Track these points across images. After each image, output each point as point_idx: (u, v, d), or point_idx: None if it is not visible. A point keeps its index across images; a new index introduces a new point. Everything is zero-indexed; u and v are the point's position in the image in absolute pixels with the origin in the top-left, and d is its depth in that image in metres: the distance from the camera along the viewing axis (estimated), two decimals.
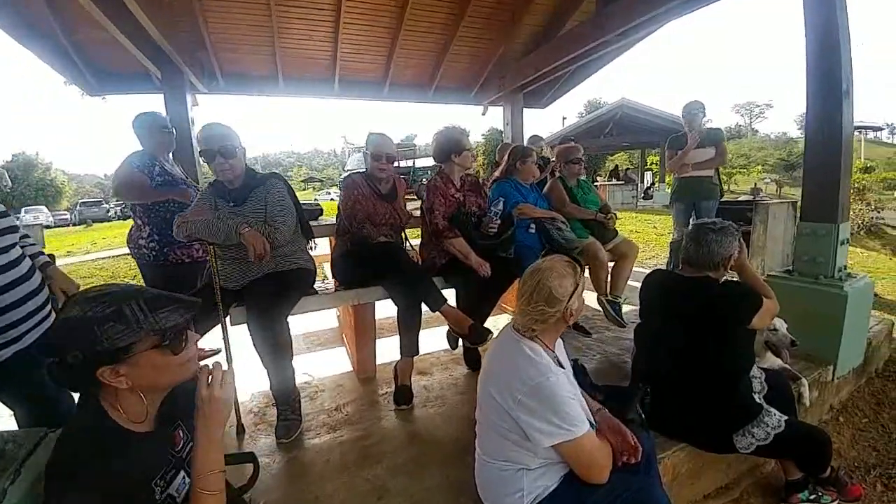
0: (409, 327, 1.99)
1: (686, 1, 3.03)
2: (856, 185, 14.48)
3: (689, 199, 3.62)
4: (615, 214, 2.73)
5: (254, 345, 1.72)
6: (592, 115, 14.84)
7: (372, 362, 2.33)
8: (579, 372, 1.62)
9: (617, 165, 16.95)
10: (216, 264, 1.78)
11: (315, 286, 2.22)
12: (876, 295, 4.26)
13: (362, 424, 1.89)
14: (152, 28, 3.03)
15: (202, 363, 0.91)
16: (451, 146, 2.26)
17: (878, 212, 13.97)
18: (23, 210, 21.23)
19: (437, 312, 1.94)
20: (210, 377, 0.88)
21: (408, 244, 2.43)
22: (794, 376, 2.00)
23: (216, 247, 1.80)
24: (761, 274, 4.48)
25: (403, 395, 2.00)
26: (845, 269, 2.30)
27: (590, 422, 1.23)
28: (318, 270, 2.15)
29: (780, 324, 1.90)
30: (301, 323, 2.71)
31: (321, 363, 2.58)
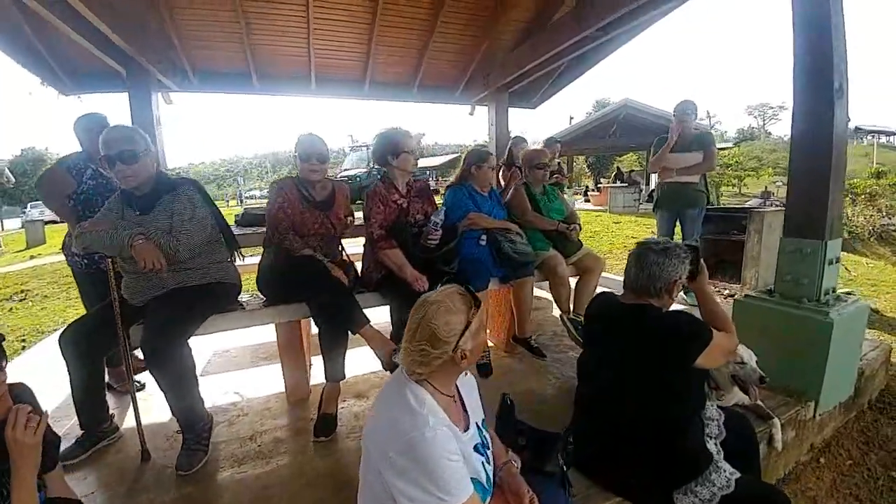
0: (330, 350, 1.80)
1: None
2: (867, 191, 13.97)
3: (673, 206, 3.38)
4: (579, 225, 2.50)
5: (147, 368, 1.55)
6: (595, 115, 14.52)
7: (305, 383, 2.14)
8: (507, 410, 1.41)
9: (619, 168, 16.57)
10: (113, 279, 1.61)
11: (244, 300, 2.05)
12: (877, 312, 3.94)
13: (273, 459, 1.70)
14: (103, 25, 2.88)
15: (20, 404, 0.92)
16: (387, 148, 2.06)
17: (890, 217, 13.44)
18: (28, 205, 21.52)
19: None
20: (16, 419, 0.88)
21: (344, 256, 2.23)
22: (765, 415, 1.76)
23: (121, 259, 1.65)
24: (755, 287, 4.25)
25: (324, 426, 1.80)
26: (834, 291, 2.05)
27: (488, 480, 1.03)
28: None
29: (749, 356, 1.66)
30: (248, 335, 2.55)
31: (258, 380, 2.39)
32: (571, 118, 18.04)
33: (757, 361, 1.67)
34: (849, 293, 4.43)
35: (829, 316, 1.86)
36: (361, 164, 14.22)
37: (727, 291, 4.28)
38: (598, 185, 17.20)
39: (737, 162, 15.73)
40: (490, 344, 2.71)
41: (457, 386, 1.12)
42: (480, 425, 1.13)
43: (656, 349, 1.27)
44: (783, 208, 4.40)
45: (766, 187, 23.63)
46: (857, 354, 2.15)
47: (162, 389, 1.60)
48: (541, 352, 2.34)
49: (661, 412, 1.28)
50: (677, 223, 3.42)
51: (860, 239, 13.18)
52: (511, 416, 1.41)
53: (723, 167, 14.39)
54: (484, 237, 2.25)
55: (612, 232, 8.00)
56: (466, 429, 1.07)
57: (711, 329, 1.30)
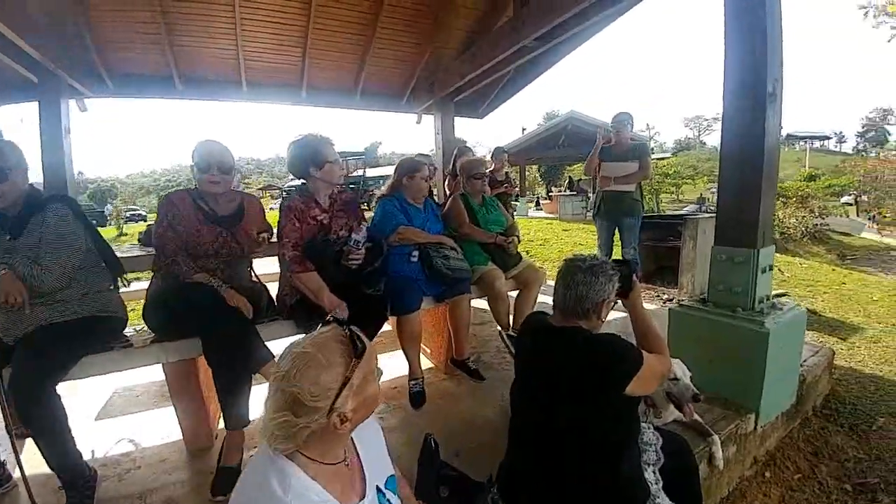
0: (229, 393, 1.53)
1: (600, 7, 2.81)
2: (800, 193, 15.30)
3: (611, 214, 3.42)
4: (518, 237, 2.38)
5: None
6: (543, 126, 14.98)
7: (206, 430, 1.83)
8: (430, 454, 1.22)
9: (570, 177, 17.17)
10: None
11: (130, 334, 1.73)
12: (814, 313, 4.14)
13: None
14: (7, 29, 2.47)
15: None
16: (308, 158, 1.83)
17: (823, 218, 14.78)
18: None
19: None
20: None
21: (254, 278, 1.96)
22: (704, 431, 1.69)
23: None
24: (692, 291, 4.40)
25: (224, 482, 1.51)
26: (769, 298, 2.04)
27: None
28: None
29: (682, 371, 1.58)
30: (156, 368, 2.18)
31: (159, 425, 2.04)
32: (524, 129, 18.51)
33: (691, 377, 1.60)
34: (782, 294, 4.70)
35: (765, 325, 1.84)
36: None
37: (666, 296, 4.38)
38: (550, 194, 17.70)
39: (675, 171, 16.78)
40: (429, 365, 2.52)
41: (353, 439, 0.91)
42: (384, 487, 0.93)
43: (585, 376, 1.14)
44: (713, 215, 4.65)
45: (701, 194, 25.44)
46: (798, 361, 2.16)
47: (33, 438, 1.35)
48: (479, 374, 2.17)
49: (594, 441, 1.15)
50: (616, 231, 3.46)
51: (792, 239, 14.36)
52: (434, 462, 1.22)
53: (662, 176, 15.28)
54: (415, 253, 2.07)
55: (561, 239, 8.13)
56: (362, 497, 0.86)
57: (643, 353, 1.18)
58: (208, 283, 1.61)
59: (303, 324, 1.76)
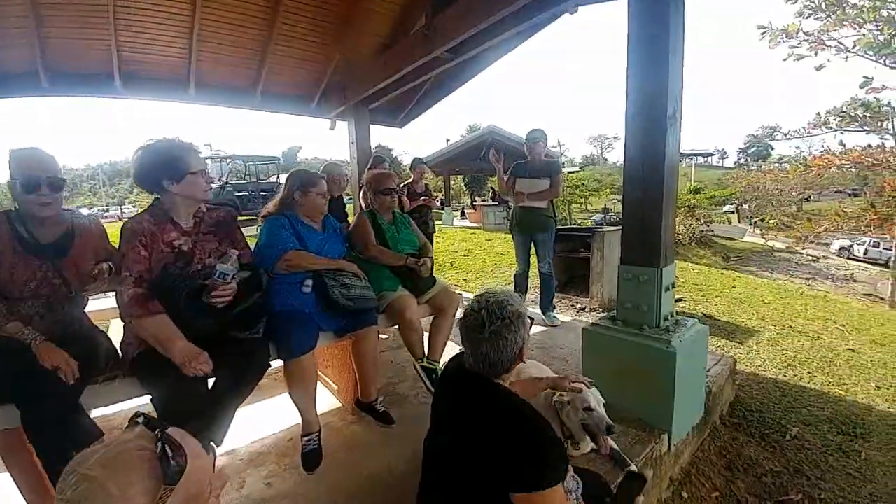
0: (53, 475, 1.11)
1: (513, 22, 2.78)
2: (687, 204, 17.44)
3: (525, 230, 3.43)
4: (431, 258, 2.20)
5: None
6: (464, 139, 15.30)
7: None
8: None
9: (493, 188, 17.73)
10: None
11: None
12: (710, 317, 4.51)
13: None
14: None
15: None
16: (161, 167, 1.46)
17: (707, 225, 16.95)
18: None
19: None
20: None
21: (87, 323, 1.52)
22: (621, 461, 1.63)
23: None
24: (600, 300, 4.59)
25: None
26: (673, 316, 2.09)
27: None
28: None
29: (597, 401, 1.50)
30: None
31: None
32: (448, 140, 18.76)
33: (605, 403, 1.53)
34: (678, 300, 5.12)
35: (671, 344, 1.86)
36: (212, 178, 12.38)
37: (578, 305, 4.54)
38: (474, 204, 18.09)
39: (583, 184, 18.22)
40: (337, 405, 2.21)
41: None
42: None
43: (503, 457, 0.95)
44: (618, 228, 4.98)
45: (605, 205, 28.06)
46: (703, 375, 2.24)
47: None
48: (389, 418, 1.91)
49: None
50: (532, 246, 3.47)
51: (682, 244, 16.28)
52: None
53: (572, 188, 16.49)
54: (309, 282, 1.77)
55: (484, 250, 8.22)
56: None
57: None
58: (20, 337, 1.17)
59: (150, 383, 1.37)
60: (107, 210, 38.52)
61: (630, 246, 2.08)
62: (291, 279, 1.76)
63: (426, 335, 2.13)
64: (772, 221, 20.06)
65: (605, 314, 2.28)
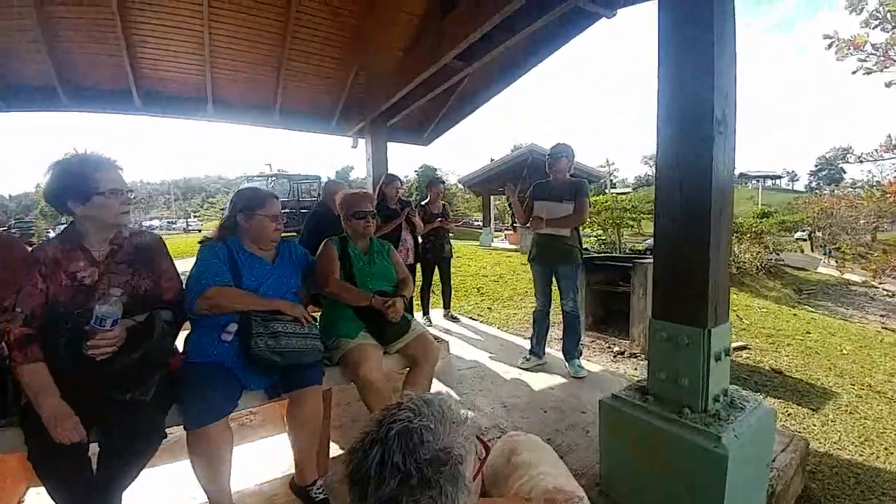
0: None
1: (521, 23, 2.42)
2: (754, 230, 15.72)
3: (545, 261, 2.92)
4: (405, 297, 1.78)
5: None
6: (503, 158, 14.91)
7: None
8: None
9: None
10: None
11: None
12: (779, 373, 3.71)
13: None
14: None
15: None
16: (68, 186, 1.21)
17: (777, 253, 15.16)
18: None
19: None
20: None
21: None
22: None
23: None
24: (643, 344, 3.85)
25: None
26: (727, 394, 1.52)
27: None
28: None
29: None
30: None
31: None
32: (492, 159, 18.47)
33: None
34: (742, 347, 4.28)
35: (722, 441, 1.30)
36: None
37: (616, 348, 3.88)
38: (514, 225, 17.50)
39: (634, 206, 17.08)
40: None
41: None
42: None
43: None
44: None
45: None
46: (766, 474, 1.63)
47: None
48: None
49: None
50: (553, 280, 2.94)
51: (748, 274, 14.57)
52: None
53: (622, 210, 15.50)
54: (233, 327, 1.42)
55: (517, 275, 7.66)
56: None
57: None
58: None
59: (34, 436, 1.08)
60: (174, 223, 41.93)
61: (665, 295, 1.55)
62: (213, 322, 1.43)
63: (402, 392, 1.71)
64: (847, 252, 17.68)
65: (633, 383, 1.73)
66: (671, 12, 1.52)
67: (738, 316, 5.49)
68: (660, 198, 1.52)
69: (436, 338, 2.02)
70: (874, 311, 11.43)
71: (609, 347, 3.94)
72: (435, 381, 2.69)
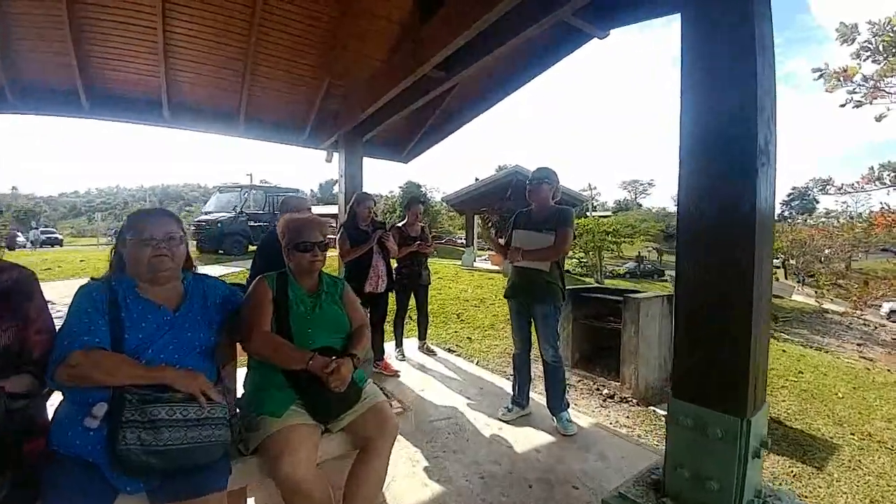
0: None
1: (505, 34, 2.16)
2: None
3: (522, 297, 2.56)
4: (356, 357, 1.39)
5: None
6: (488, 178, 14.82)
7: None
8: None
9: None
10: None
11: None
12: (779, 423, 3.33)
13: None
14: None
15: None
16: None
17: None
18: None
19: None
20: None
21: None
22: None
23: None
24: (634, 387, 3.52)
25: None
26: (760, 496, 1.18)
27: None
28: None
29: None
30: None
31: None
32: (476, 178, 18.37)
33: None
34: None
35: None
36: (228, 206, 12.28)
37: (606, 390, 3.55)
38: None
39: (615, 230, 17.22)
40: None
41: None
42: None
43: None
44: (657, 295, 4.04)
45: (639, 252, 26.56)
46: None
47: None
48: None
49: None
50: (530, 319, 2.59)
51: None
52: None
53: (603, 234, 15.59)
54: (101, 408, 1.02)
55: (500, 300, 7.31)
56: None
57: None
58: None
59: None
60: None
61: (690, 369, 1.22)
62: (80, 399, 1.02)
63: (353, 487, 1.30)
64: (825, 282, 18.19)
65: (643, 474, 1.37)
66: (699, 23, 1.25)
67: None
68: (684, 242, 1.20)
69: (399, 402, 1.63)
70: (850, 339, 11.59)
71: (598, 389, 3.60)
72: (403, 438, 2.31)
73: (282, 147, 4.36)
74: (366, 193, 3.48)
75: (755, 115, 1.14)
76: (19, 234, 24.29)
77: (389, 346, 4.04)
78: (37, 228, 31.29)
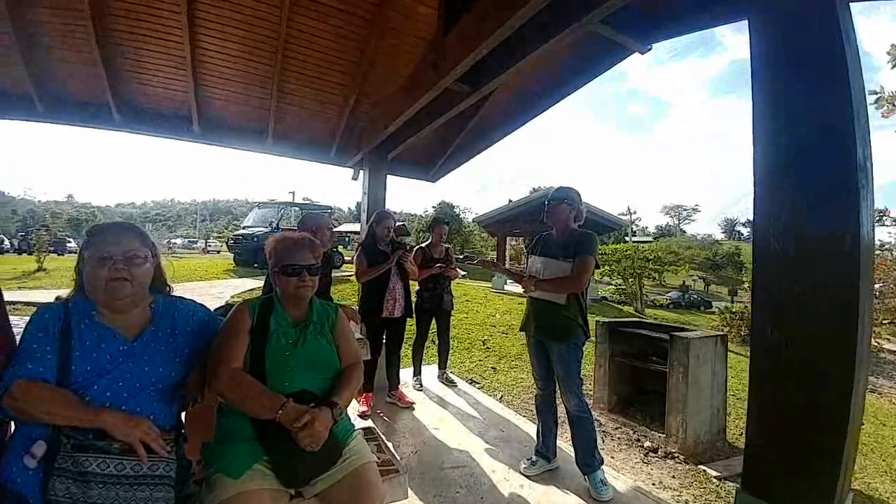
0: None
1: (533, 43, 1.97)
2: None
3: (537, 333, 2.25)
4: (337, 406, 1.15)
5: None
6: (521, 199, 14.53)
7: None
8: None
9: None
10: None
11: None
12: (870, 500, 2.89)
13: None
14: None
15: None
16: None
17: None
18: None
19: None
20: None
21: None
22: None
23: None
24: (682, 442, 2.84)
25: None
26: None
27: None
28: None
29: None
30: None
31: None
32: (510, 200, 18.20)
33: None
34: None
35: None
36: (265, 222, 12.70)
37: (648, 443, 3.10)
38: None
39: (657, 256, 16.30)
40: None
41: None
42: None
43: None
44: (710, 334, 3.55)
45: (683, 281, 25.03)
46: None
47: None
48: None
49: None
50: (548, 360, 2.27)
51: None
52: None
53: (643, 261, 14.73)
54: (40, 448, 0.86)
55: None
56: None
57: None
58: None
59: None
60: (194, 242, 42.77)
61: (765, 458, 0.90)
62: (25, 432, 0.87)
63: None
64: (881, 318, 16.15)
65: None
66: (774, 27, 1.01)
67: None
68: (762, 289, 0.91)
69: (391, 460, 1.37)
70: None
71: (637, 440, 3.16)
72: (410, 491, 2.02)
73: (329, 166, 4.32)
74: (386, 211, 3.34)
75: (851, 126, 0.88)
76: (71, 240, 25.66)
77: (407, 373, 3.80)
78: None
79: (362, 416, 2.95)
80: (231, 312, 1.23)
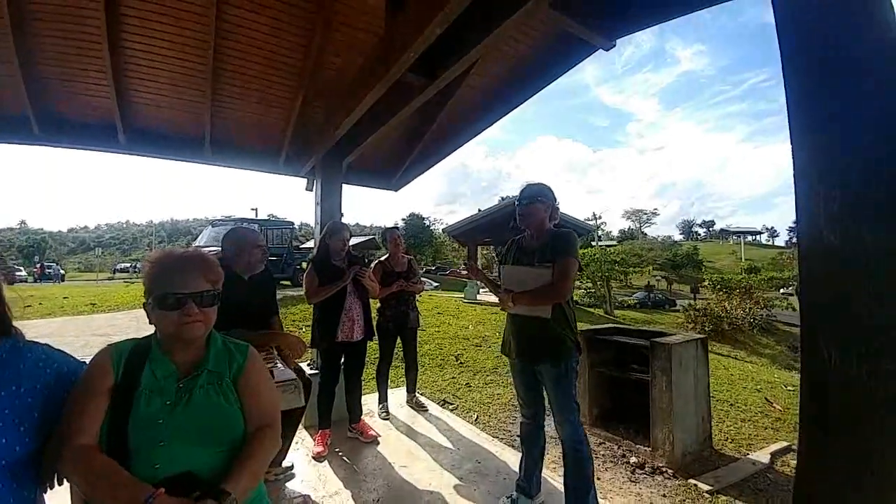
0: None
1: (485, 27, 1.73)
2: (742, 285, 15.36)
3: (523, 355, 1.96)
4: (229, 496, 0.83)
5: None
6: (489, 208, 14.53)
7: None
8: None
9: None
10: None
11: None
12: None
13: None
14: None
15: None
16: None
17: (769, 310, 14.78)
18: None
19: None
20: None
21: None
22: None
23: None
24: (669, 455, 2.63)
25: None
26: None
27: None
28: None
29: None
30: None
31: None
32: (480, 209, 18.15)
33: None
34: (787, 449, 3.29)
35: None
36: (217, 241, 12.06)
37: (634, 458, 2.88)
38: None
39: (623, 259, 16.68)
40: None
41: None
42: None
43: None
44: (690, 338, 3.38)
45: (648, 281, 25.88)
46: None
47: None
48: None
49: None
50: (537, 383, 1.99)
51: (741, 330, 13.93)
52: None
53: (611, 263, 15.02)
54: None
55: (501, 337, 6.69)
56: None
57: None
58: None
59: None
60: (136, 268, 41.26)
61: None
62: None
63: None
64: None
65: None
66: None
67: (766, 399, 4.58)
68: (810, 304, 0.67)
69: None
70: None
71: (623, 456, 2.94)
72: None
73: (286, 177, 3.91)
74: (340, 223, 3.01)
75: None
76: (21, 268, 25.51)
77: (372, 400, 3.44)
78: (40, 264, 31.73)
79: (317, 457, 2.56)
80: (88, 369, 0.88)
